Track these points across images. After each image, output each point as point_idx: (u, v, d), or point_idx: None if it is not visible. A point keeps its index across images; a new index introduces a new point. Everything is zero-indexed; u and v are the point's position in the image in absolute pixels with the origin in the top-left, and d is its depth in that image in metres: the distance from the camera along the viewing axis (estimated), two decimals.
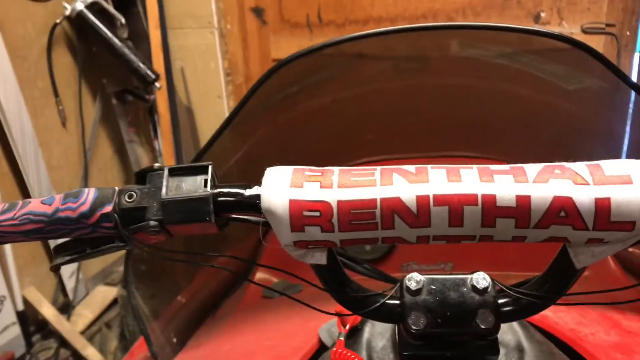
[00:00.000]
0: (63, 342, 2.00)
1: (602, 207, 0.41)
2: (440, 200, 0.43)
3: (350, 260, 0.56)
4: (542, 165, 0.44)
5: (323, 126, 1.12)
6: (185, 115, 2.50)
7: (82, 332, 2.07)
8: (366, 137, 1.14)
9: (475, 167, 0.45)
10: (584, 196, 0.41)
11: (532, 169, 0.44)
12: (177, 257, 0.50)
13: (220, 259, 0.93)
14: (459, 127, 1.11)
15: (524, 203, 0.42)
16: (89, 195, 0.46)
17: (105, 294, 2.25)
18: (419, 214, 0.43)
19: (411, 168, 0.45)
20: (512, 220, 0.43)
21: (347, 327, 0.65)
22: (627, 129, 0.95)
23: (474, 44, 0.99)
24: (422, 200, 0.43)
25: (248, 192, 0.46)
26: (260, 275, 0.97)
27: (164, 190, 0.45)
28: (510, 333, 0.64)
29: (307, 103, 1.07)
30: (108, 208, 0.45)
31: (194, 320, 0.91)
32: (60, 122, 2.18)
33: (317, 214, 0.43)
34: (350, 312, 0.53)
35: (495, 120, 1.10)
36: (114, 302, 2.24)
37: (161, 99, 2.34)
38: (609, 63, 0.77)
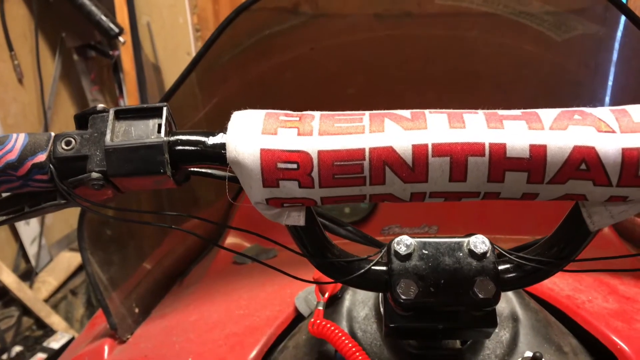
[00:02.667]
0: (25, 311, 1.91)
1: (631, 158, 0.35)
2: (440, 150, 0.36)
3: (330, 221, 0.49)
4: (559, 110, 0.38)
5: (300, 77, 1.04)
6: (153, 73, 2.37)
7: (46, 300, 1.98)
8: (347, 90, 1.06)
9: (481, 111, 0.38)
10: (609, 146, 0.35)
11: (548, 114, 0.37)
12: (131, 217, 0.42)
13: (187, 223, 0.86)
14: (443, 79, 1.04)
15: (538, 154, 0.36)
16: (18, 141, 0.38)
17: (71, 259, 2.16)
18: (415, 166, 0.36)
19: (406, 113, 0.38)
20: (524, 174, 0.36)
21: (326, 295, 0.59)
22: (611, 71, 0.90)
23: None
24: (418, 150, 0.36)
25: (211, 140, 0.38)
26: (231, 239, 0.90)
27: (108, 135, 0.37)
28: (503, 301, 0.59)
29: (281, 50, 0.99)
30: (41, 157, 0.37)
31: (159, 288, 0.84)
32: (16, 78, 2.04)
33: (294, 166, 0.36)
34: (331, 280, 0.46)
35: (481, 72, 1.04)
36: (80, 268, 2.15)
37: (126, 55, 2.20)
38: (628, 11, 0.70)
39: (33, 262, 2.06)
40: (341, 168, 0.36)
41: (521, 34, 0.95)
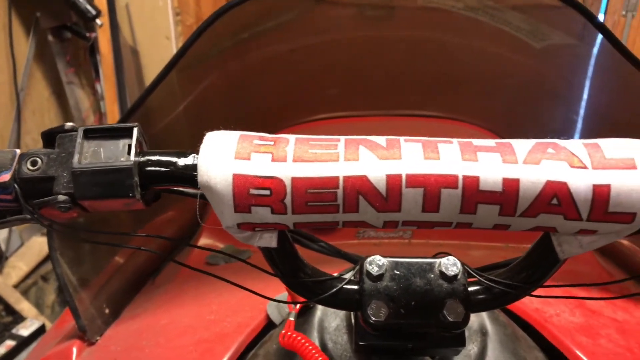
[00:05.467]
0: None
1: (601, 195, 0.35)
2: (414, 181, 0.36)
3: (303, 237, 0.49)
4: (533, 142, 0.38)
5: (280, 77, 1.03)
6: (131, 57, 2.33)
7: (16, 286, 1.95)
8: (327, 91, 1.05)
9: (456, 141, 0.38)
10: (580, 182, 0.35)
11: (522, 146, 0.37)
12: (97, 237, 0.41)
13: (159, 219, 0.85)
14: (424, 83, 1.04)
15: (511, 187, 0.36)
16: None
17: (42, 245, 2.12)
18: (389, 196, 0.36)
19: (381, 140, 0.38)
20: (497, 207, 0.36)
21: (298, 306, 0.59)
22: (587, 86, 0.91)
23: None
24: (392, 181, 0.36)
25: (182, 162, 0.38)
26: (204, 239, 0.90)
27: (76, 157, 0.36)
28: (473, 315, 0.59)
29: (262, 50, 0.97)
30: (5, 177, 0.36)
31: (130, 287, 0.83)
32: None
33: (267, 192, 0.36)
34: (303, 300, 0.46)
35: (462, 78, 1.04)
36: None
37: (103, 37, 2.15)
38: (591, 16, 0.70)
39: (3, 246, 2.03)
40: (314, 195, 0.36)
41: (501, 40, 0.95)
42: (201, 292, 0.75)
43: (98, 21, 2.08)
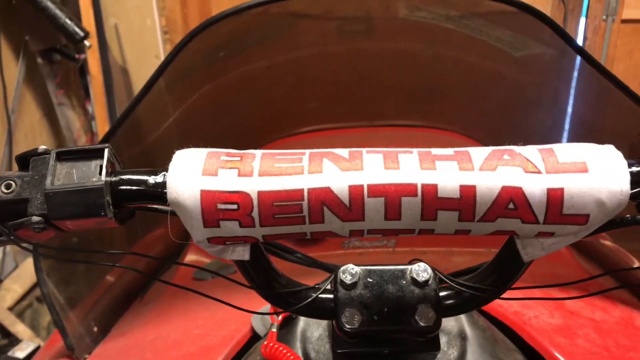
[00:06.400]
0: None
1: (555, 198, 0.37)
2: (375, 190, 0.37)
3: (278, 249, 0.50)
4: (490, 149, 0.39)
5: (262, 92, 1.04)
6: (120, 76, 2.35)
7: (11, 308, 1.95)
8: (309, 104, 1.07)
9: (415, 151, 0.40)
10: (535, 186, 0.37)
11: (479, 153, 0.39)
12: (77, 256, 0.43)
13: (146, 238, 0.86)
14: (405, 94, 1.06)
15: (468, 194, 0.37)
16: None
17: None
18: (352, 206, 0.37)
19: (344, 152, 0.40)
20: (456, 213, 0.38)
21: (280, 317, 0.61)
22: (571, 96, 0.93)
23: (420, 6, 0.93)
24: (355, 191, 0.37)
25: (153, 180, 0.39)
26: (191, 256, 0.91)
27: (49, 179, 0.37)
28: (452, 320, 0.60)
29: (244, 66, 0.99)
30: None
31: (118, 305, 0.84)
32: None
33: (234, 206, 0.37)
34: (280, 310, 0.48)
35: (443, 88, 1.06)
36: None
37: (92, 58, 2.17)
38: (554, 25, 0.72)
39: None
40: (281, 208, 0.37)
41: (480, 50, 0.97)
42: (188, 307, 0.76)
43: (86, 42, 2.09)
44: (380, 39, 1.03)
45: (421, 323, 0.44)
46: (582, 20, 1.94)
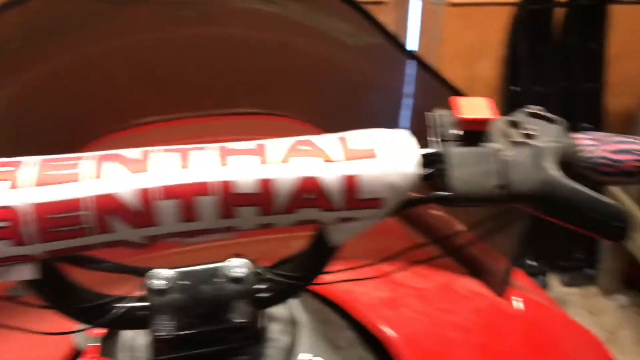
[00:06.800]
0: None
1: (349, 185, 0.38)
2: (166, 192, 0.35)
3: (81, 260, 0.46)
4: (292, 140, 0.39)
5: (85, 83, 0.96)
6: None
7: None
8: (137, 96, 1.00)
9: (211, 147, 0.38)
10: (329, 174, 0.37)
11: (279, 145, 0.39)
12: None
13: None
14: (244, 82, 1.04)
15: (265, 188, 0.37)
16: None
17: None
18: (142, 211, 0.35)
19: (133, 152, 0.37)
20: (255, 209, 0.37)
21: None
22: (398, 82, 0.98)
23: None
24: (143, 195, 0.35)
25: None
26: None
27: None
28: (283, 306, 0.61)
29: (62, 55, 0.90)
30: None
31: None
32: None
33: (2, 224, 0.33)
34: (88, 326, 0.44)
35: (282, 75, 1.05)
36: None
37: None
38: (363, 10, 0.75)
39: None
40: (56, 221, 0.34)
41: (317, 38, 0.98)
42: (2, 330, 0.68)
43: None
44: (215, 26, 1.00)
45: (236, 319, 0.43)
46: (419, 3, 2.05)
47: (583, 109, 2.11)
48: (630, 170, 0.43)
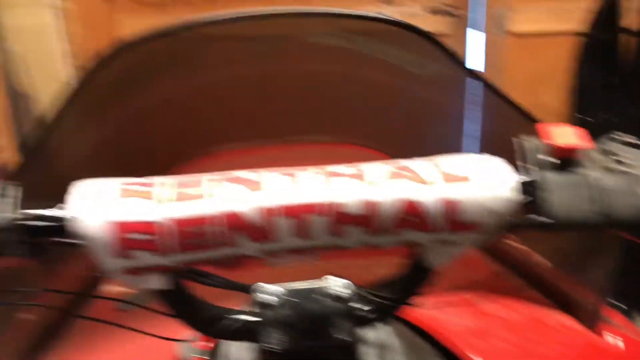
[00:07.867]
0: None
1: (449, 209, 0.40)
2: (284, 211, 0.39)
3: (195, 274, 0.50)
4: (388, 165, 0.42)
5: (174, 116, 1.03)
6: (26, 104, 2.24)
7: None
8: (217, 125, 1.07)
9: (319, 170, 0.41)
10: (431, 198, 0.40)
11: (378, 169, 0.41)
12: None
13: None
14: (320, 113, 1.08)
15: (371, 209, 0.39)
16: None
17: None
18: (263, 228, 0.39)
19: (250, 175, 0.41)
20: (361, 229, 0.40)
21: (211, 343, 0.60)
22: (470, 110, 0.99)
23: (328, 31, 0.96)
24: (265, 213, 0.38)
25: (58, 214, 0.38)
26: (110, 287, 0.88)
27: None
28: (375, 331, 0.62)
29: (154, 92, 0.98)
30: None
31: (34, 343, 0.80)
32: None
33: (143, 236, 0.37)
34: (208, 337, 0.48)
35: (350, 104, 1.09)
36: None
37: None
38: (436, 42, 0.77)
39: None
40: (192, 234, 0.38)
41: (385, 68, 1.01)
42: (112, 339, 0.73)
43: None
44: (290, 60, 1.06)
45: (340, 336, 0.46)
46: (481, 35, 2.06)
47: None
48: None
